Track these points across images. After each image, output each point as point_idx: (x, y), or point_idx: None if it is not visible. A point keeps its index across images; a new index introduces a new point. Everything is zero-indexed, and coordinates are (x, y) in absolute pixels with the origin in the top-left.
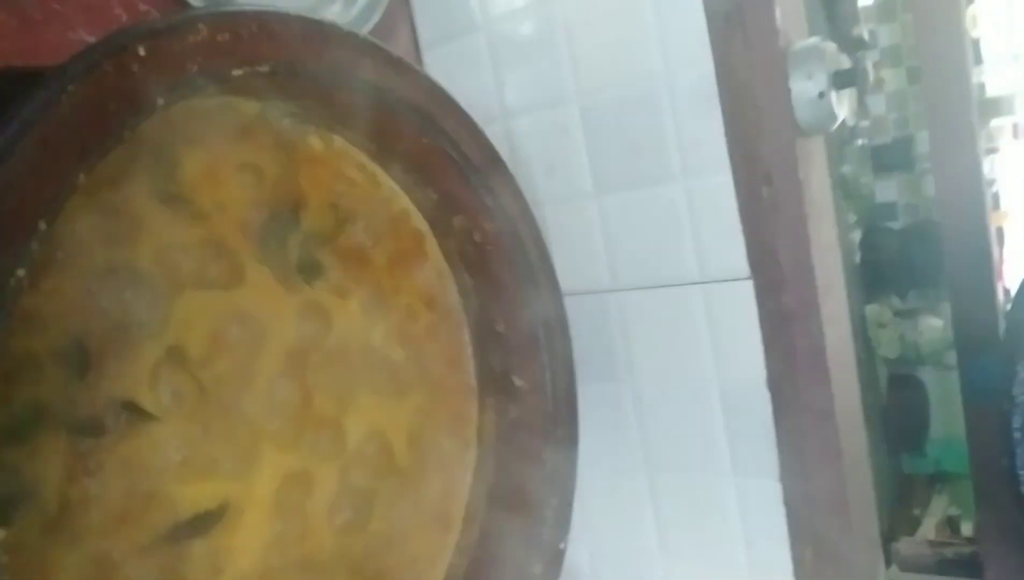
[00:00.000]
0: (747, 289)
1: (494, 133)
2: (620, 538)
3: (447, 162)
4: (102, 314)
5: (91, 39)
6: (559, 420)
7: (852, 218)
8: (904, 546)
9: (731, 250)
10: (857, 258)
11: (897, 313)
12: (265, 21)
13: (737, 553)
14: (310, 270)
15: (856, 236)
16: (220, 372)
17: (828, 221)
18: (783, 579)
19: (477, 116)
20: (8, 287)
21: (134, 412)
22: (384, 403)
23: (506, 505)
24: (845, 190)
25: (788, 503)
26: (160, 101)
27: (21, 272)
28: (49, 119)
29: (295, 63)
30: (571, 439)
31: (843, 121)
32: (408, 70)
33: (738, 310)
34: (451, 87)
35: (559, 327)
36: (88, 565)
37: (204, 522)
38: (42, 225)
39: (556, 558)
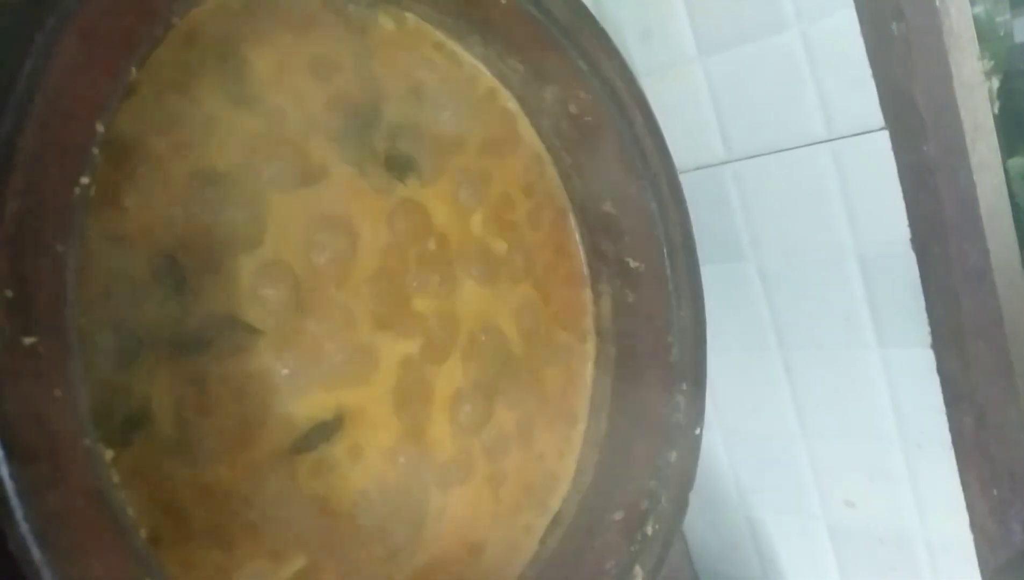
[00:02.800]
0: (882, 141)
1: None
2: (756, 422)
3: (530, 24)
4: (190, 227)
5: None
6: (682, 300)
7: (988, 64)
8: None
9: (860, 99)
10: (995, 108)
11: None
12: None
13: (887, 426)
14: (401, 165)
15: (994, 84)
16: (319, 278)
17: (971, 55)
18: (940, 450)
19: None
20: (73, 196)
21: (238, 327)
22: (491, 295)
23: (634, 394)
24: (979, 32)
25: (942, 371)
26: None
27: (85, 180)
28: (89, 8)
29: None
30: (697, 320)
31: None
32: None
33: (873, 166)
34: None
35: (674, 198)
36: (211, 487)
37: (324, 432)
38: (99, 127)
39: (693, 444)
